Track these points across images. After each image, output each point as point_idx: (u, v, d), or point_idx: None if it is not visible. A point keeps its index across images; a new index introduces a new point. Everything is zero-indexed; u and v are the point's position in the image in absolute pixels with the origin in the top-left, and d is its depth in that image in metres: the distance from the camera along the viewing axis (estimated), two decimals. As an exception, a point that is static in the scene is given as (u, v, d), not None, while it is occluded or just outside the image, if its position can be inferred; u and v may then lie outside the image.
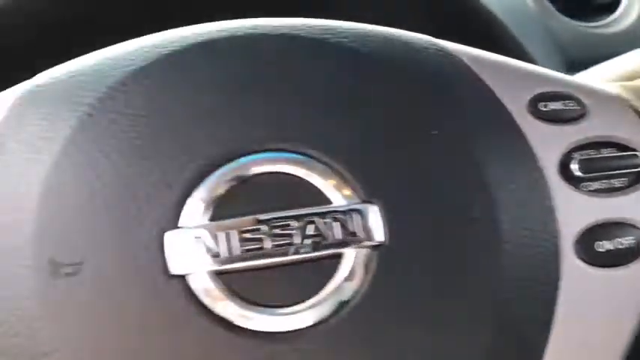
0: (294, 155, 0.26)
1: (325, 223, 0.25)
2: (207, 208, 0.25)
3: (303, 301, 0.25)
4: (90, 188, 0.25)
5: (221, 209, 0.25)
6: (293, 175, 0.26)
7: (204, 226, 0.25)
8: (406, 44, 0.29)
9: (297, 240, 0.25)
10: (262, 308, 0.25)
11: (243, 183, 0.26)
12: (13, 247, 0.25)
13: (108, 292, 0.25)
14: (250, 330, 0.25)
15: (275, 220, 0.25)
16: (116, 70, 0.27)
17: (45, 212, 0.25)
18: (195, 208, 0.25)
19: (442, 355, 0.25)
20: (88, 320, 0.24)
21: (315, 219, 0.25)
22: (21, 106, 0.27)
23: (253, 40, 0.28)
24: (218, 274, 0.25)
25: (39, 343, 0.25)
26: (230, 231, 0.25)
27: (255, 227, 0.25)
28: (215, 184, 0.25)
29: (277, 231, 0.25)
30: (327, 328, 0.25)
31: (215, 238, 0.25)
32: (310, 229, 0.25)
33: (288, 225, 0.25)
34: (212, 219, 0.25)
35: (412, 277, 0.25)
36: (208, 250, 0.25)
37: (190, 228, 0.25)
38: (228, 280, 0.25)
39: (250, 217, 0.25)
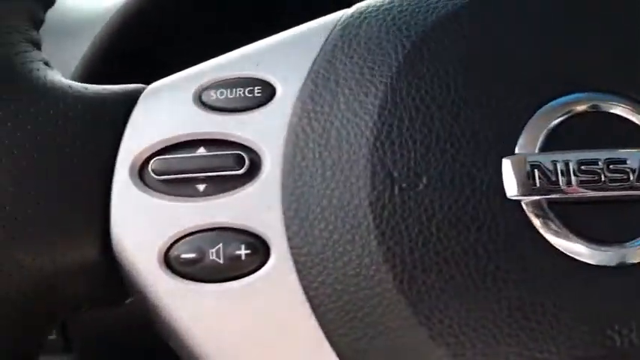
0: (625, 99, 0.26)
1: None
2: (542, 137, 0.26)
3: (634, 237, 0.25)
4: (426, 111, 0.26)
5: (555, 141, 0.26)
6: (623, 117, 0.26)
7: (543, 155, 0.25)
8: None
9: (632, 177, 0.25)
10: (593, 242, 0.25)
11: (575, 118, 0.26)
12: (351, 159, 0.26)
13: (442, 209, 0.25)
14: (579, 261, 0.25)
15: (612, 157, 0.25)
16: (443, 2, 0.28)
17: (383, 130, 0.26)
18: (531, 136, 0.26)
19: None
20: (421, 233, 0.25)
21: None
22: (345, 30, 0.28)
23: None
24: (551, 203, 0.25)
25: (371, 252, 0.25)
26: (569, 162, 0.25)
27: (592, 160, 0.25)
28: (550, 115, 0.26)
29: (613, 166, 0.25)
30: None
31: (554, 167, 0.25)
32: None
33: (625, 162, 0.25)
34: (544, 149, 0.26)
35: None
36: (546, 178, 0.25)
37: (530, 155, 0.25)
38: (560, 210, 0.25)
39: (588, 151, 0.25)
